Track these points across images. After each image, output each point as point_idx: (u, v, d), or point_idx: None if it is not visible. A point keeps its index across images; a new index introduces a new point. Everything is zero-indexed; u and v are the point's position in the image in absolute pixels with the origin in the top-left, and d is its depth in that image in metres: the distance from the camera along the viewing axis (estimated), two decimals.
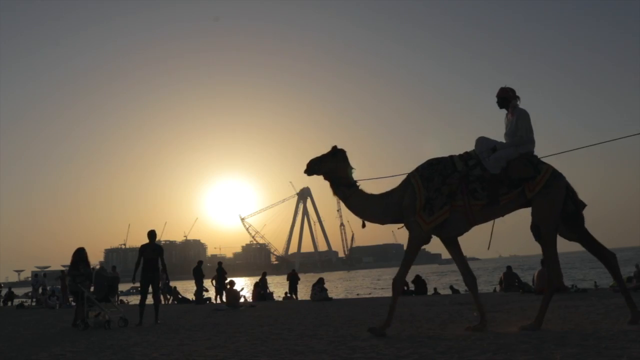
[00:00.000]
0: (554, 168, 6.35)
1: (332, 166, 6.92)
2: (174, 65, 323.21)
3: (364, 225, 7.00)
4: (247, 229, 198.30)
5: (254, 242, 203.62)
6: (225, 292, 17.95)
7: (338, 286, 52.03)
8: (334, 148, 6.99)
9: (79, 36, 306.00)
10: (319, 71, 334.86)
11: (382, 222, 6.98)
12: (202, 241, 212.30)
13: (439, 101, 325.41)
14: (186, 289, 30.52)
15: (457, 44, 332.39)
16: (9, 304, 26.38)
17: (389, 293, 22.17)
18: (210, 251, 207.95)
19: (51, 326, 11.17)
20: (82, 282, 11.20)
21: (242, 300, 17.88)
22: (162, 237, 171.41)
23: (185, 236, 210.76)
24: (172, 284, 24.23)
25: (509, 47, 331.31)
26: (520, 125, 6.44)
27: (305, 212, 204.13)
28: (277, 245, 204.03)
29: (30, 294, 28.54)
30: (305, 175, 7.01)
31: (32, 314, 17.13)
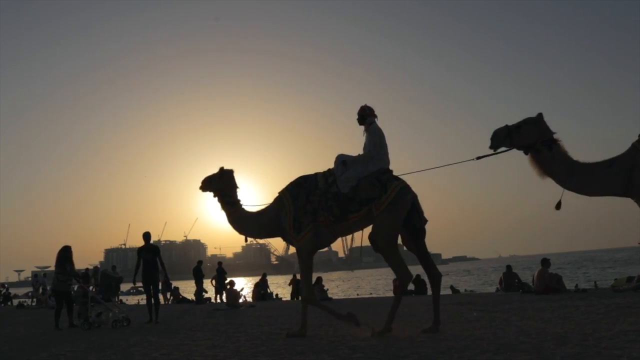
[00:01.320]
0: (404, 184, 6.51)
1: (219, 185, 7.33)
2: (174, 66, 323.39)
3: (246, 240, 7.58)
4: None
5: (254, 242, 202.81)
6: (225, 292, 17.95)
7: (338, 286, 52.02)
8: (222, 169, 7.38)
9: (79, 36, 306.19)
10: (319, 71, 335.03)
11: (259, 237, 7.61)
12: (202, 241, 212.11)
13: (439, 101, 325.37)
14: (185, 289, 30.51)
15: (457, 44, 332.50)
16: (9, 304, 26.38)
17: (389, 293, 22.09)
18: (210, 251, 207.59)
19: (51, 326, 11.15)
20: (67, 282, 11.26)
21: (241, 300, 17.88)
22: (162, 237, 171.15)
23: (185, 236, 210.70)
24: (173, 284, 24.21)
25: (509, 47, 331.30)
26: (369, 142, 6.64)
27: None
28: (277, 245, 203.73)
29: (30, 294, 28.55)
30: (200, 189, 7.39)
31: (32, 314, 17.13)
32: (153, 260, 11.39)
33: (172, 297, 22.43)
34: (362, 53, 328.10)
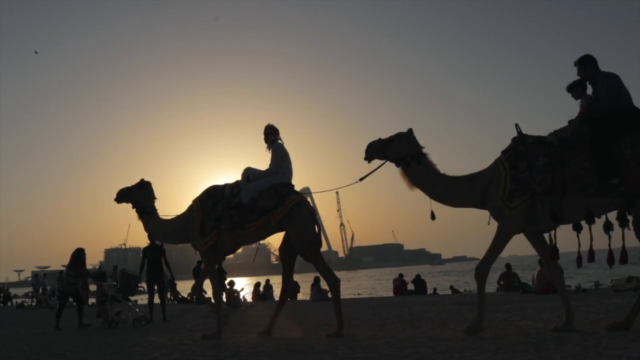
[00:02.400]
0: (301, 199, 7.00)
1: (138, 196, 7.80)
2: (174, 66, 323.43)
3: (162, 245, 8.38)
4: None
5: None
6: (225, 292, 17.95)
7: None
8: (142, 180, 7.89)
9: (79, 37, 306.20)
10: (318, 71, 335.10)
11: (173, 243, 8.10)
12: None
13: (438, 102, 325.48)
14: (185, 289, 30.47)
15: (456, 44, 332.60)
16: (9, 304, 26.38)
17: (389, 293, 22.07)
18: None
19: (51, 326, 11.16)
20: (76, 284, 11.30)
21: (241, 300, 17.88)
22: None
23: None
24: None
25: (509, 47, 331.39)
26: (272, 159, 7.19)
27: None
28: (277, 245, 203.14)
29: (30, 294, 28.54)
30: (115, 201, 7.80)
31: (32, 314, 17.13)
32: (158, 260, 11.54)
33: (172, 297, 22.45)
34: (362, 53, 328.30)
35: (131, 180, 7.95)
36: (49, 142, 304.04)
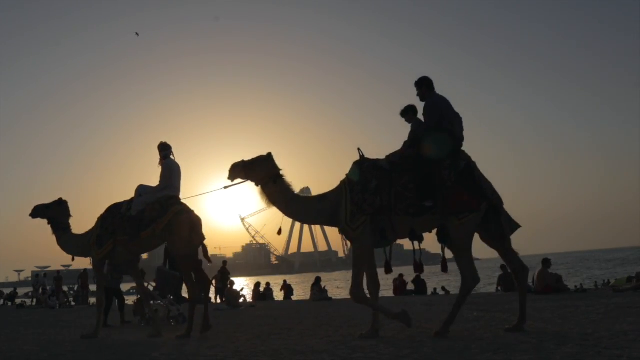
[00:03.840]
0: (183, 208, 7.70)
1: (55, 213, 8.50)
2: (174, 66, 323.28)
3: (73, 259, 9.00)
4: (247, 229, 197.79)
5: (254, 242, 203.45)
6: (225, 292, 17.96)
7: (338, 286, 51.94)
8: (60, 199, 8.58)
9: (79, 37, 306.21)
10: (319, 71, 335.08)
11: (83, 256, 8.64)
12: None
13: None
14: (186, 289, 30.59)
15: (456, 44, 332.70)
16: (9, 304, 26.36)
17: (389, 293, 22.17)
18: (210, 251, 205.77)
19: (51, 326, 11.15)
20: (119, 279, 11.27)
21: (241, 300, 17.88)
22: None
23: None
24: None
25: (509, 47, 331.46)
26: (161, 175, 7.91)
27: None
28: (277, 245, 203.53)
29: (30, 294, 28.52)
30: (30, 216, 8.57)
31: (32, 314, 17.12)
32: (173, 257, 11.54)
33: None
34: (362, 53, 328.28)
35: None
36: (49, 142, 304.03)
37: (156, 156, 8.10)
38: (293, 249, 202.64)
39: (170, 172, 7.85)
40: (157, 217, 7.55)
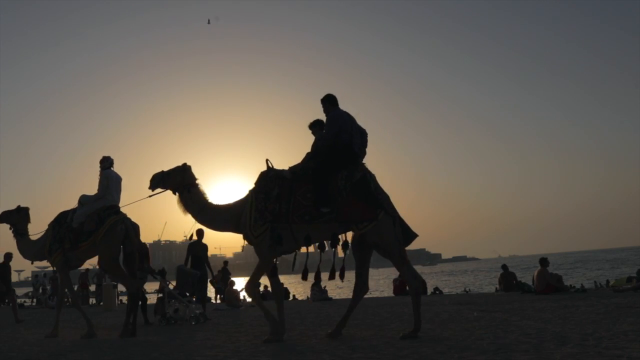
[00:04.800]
0: (118, 218, 8.19)
1: (16, 219, 8.95)
2: (174, 66, 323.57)
3: (32, 263, 9.62)
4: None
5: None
6: (225, 292, 17.96)
7: (338, 286, 51.92)
8: (19, 207, 9.04)
9: (79, 37, 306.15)
10: (318, 71, 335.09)
11: (37, 260, 9.10)
12: (202, 241, 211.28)
13: (438, 102, 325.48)
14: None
15: (456, 45, 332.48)
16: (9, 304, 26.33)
17: (389, 293, 22.03)
18: (210, 251, 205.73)
19: (51, 326, 11.13)
20: (143, 279, 11.19)
21: (241, 300, 17.87)
22: (162, 237, 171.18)
23: (185, 236, 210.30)
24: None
25: (509, 48, 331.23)
26: (99, 184, 8.37)
27: None
28: None
29: (30, 294, 28.51)
30: None
31: (32, 314, 17.12)
32: (204, 256, 11.59)
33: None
34: (362, 53, 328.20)
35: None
36: (49, 141, 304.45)
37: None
38: None
39: (108, 181, 8.34)
40: (95, 229, 8.14)
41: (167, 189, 7.39)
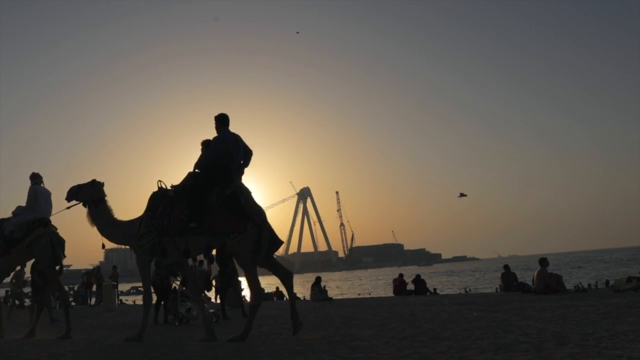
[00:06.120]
0: (44, 232, 8.54)
1: None
2: (174, 66, 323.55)
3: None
4: None
5: None
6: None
7: (338, 286, 51.99)
8: None
9: (79, 37, 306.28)
10: (318, 71, 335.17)
11: None
12: None
13: (438, 102, 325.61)
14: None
15: (456, 44, 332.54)
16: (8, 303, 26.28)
17: (389, 293, 22.00)
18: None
19: (51, 326, 11.14)
20: (163, 276, 11.18)
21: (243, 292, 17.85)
22: None
23: None
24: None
25: (509, 48, 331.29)
26: (27, 198, 8.82)
27: (305, 212, 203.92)
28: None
29: (30, 293, 28.39)
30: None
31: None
32: (224, 257, 11.52)
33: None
34: (362, 53, 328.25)
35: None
36: (49, 142, 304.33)
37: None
38: (293, 249, 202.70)
39: (36, 196, 8.84)
40: (22, 237, 8.58)
41: (80, 202, 8.08)
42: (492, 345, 5.48)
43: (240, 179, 7.35)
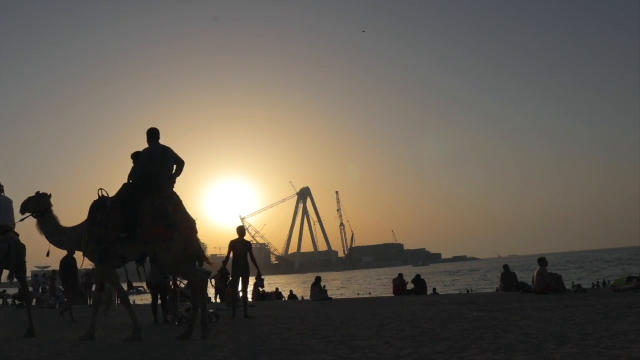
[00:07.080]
0: (5, 238, 8.75)
1: None
2: (174, 66, 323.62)
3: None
4: (247, 229, 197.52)
5: (254, 242, 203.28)
6: (225, 292, 17.95)
7: (338, 286, 52.02)
8: None
9: (79, 37, 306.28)
10: (319, 71, 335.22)
11: None
12: (202, 241, 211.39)
13: (439, 102, 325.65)
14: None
15: (456, 44, 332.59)
16: (8, 303, 26.35)
17: (389, 293, 22.01)
18: (210, 251, 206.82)
19: (51, 326, 11.15)
20: (162, 275, 11.13)
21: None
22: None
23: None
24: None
25: (511, 48, 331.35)
26: None
27: (305, 212, 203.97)
28: (277, 245, 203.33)
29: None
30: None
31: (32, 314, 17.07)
32: (245, 254, 11.49)
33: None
34: (362, 53, 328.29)
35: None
36: (48, 141, 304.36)
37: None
38: (293, 249, 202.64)
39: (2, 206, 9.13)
40: None
41: (31, 214, 8.40)
42: (492, 345, 5.48)
43: (172, 189, 7.77)
